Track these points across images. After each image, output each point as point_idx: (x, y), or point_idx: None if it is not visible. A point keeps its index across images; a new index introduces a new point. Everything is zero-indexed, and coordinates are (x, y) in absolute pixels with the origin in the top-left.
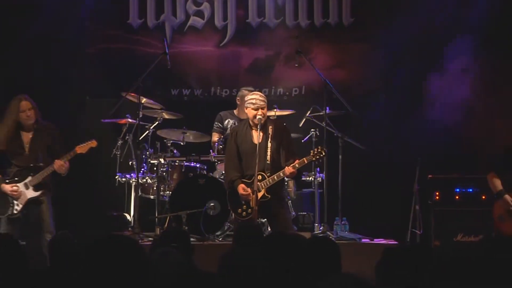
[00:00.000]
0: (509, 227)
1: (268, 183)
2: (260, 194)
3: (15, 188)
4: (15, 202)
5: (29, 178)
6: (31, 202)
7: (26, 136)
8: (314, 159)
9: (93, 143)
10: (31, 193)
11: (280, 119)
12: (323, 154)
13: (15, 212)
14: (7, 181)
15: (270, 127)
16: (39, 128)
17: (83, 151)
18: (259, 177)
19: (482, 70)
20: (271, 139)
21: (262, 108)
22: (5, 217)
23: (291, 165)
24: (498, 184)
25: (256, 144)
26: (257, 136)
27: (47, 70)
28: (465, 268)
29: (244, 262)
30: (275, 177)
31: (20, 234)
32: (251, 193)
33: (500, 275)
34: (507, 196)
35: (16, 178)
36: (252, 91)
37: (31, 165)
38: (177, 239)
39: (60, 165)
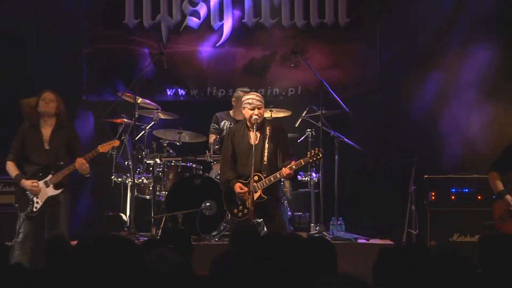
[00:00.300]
0: (509, 227)
1: (264, 184)
2: (256, 195)
3: (35, 184)
4: (35, 200)
5: (50, 176)
6: (50, 200)
7: (46, 132)
8: (311, 160)
9: (115, 143)
10: (51, 191)
11: (277, 120)
12: (320, 156)
13: (34, 210)
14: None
15: (268, 128)
16: (59, 126)
17: (105, 150)
18: (256, 178)
19: (479, 69)
20: (268, 140)
21: (259, 108)
22: (24, 215)
23: (288, 166)
24: (499, 184)
25: (253, 145)
26: (254, 137)
27: (44, 69)
28: (462, 268)
29: (239, 262)
30: (272, 178)
31: (37, 232)
32: (247, 193)
33: (497, 275)
34: (508, 197)
35: (40, 174)
36: (247, 91)
37: (52, 163)
38: (176, 239)
39: (81, 163)
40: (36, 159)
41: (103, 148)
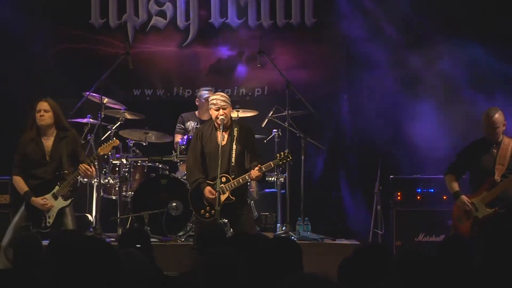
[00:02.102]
0: (466, 227)
1: (232, 186)
2: (224, 197)
3: (45, 201)
4: (47, 215)
5: (56, 188)
6: (60, 212)
7: (47, 144)
8: (280, 163)
9: (115, 142)
10: (61, 203)
11: (245, 121)
12: (290, 158)
13: (47, 225)
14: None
15: (236, 129)
16: (61, 136)
17: (106, 152)
18: (223, 179)
19: (442, 70)
20: (236, 141)
21: (224, 108)
22: (37, 231)
23: (257, 168)
24: (454, 185)
25: (220, 145)
26: (221, 137)
27: (9, 68)
28: (426, 268)
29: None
30: (240, 180)
31: None
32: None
33: (459, 276)
34: (463, 197)
35: (44, 188)
36: (209, 90)
37: (54, 175)
38: (139, 239)
39: (85, 169)
40: (37, 172)
41: (103, 150)
